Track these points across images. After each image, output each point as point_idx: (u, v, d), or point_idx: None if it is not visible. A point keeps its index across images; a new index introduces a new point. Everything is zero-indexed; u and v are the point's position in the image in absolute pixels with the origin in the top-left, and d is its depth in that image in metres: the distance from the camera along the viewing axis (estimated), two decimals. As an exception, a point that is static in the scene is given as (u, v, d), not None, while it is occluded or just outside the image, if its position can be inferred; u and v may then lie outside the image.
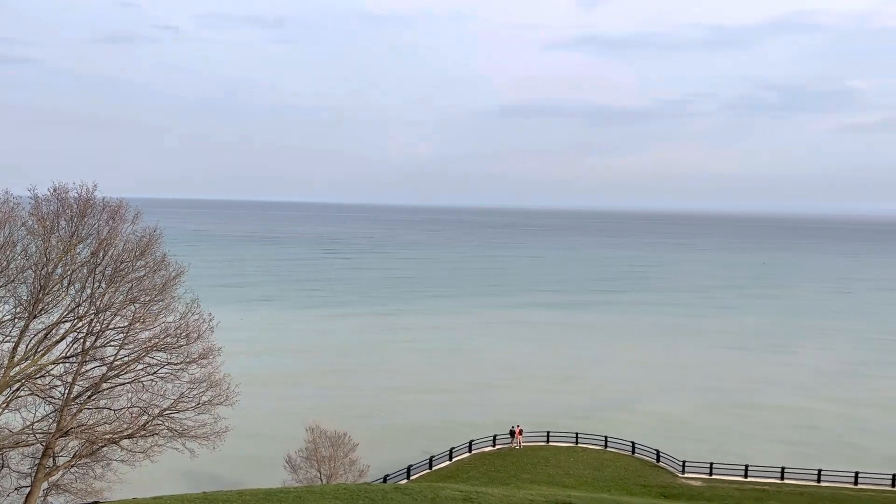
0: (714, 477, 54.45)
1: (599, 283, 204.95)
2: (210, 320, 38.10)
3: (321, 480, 48.64)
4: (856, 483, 53.85)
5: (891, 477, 54.24)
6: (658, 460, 57.42)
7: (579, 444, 60.73)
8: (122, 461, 37.70)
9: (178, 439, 37.13)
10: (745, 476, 54.59)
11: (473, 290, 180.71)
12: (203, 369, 37.56)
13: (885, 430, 75.13)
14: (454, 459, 56.65)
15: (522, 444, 60.23)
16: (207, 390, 37.41)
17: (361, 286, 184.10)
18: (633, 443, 59.70)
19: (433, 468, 54.46)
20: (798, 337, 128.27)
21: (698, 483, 52.93)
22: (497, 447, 59.84)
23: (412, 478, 52.03)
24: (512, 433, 60.43)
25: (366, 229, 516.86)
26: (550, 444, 61.02)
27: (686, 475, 54.50)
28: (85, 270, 36.05)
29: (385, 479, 50.24)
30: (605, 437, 60.89)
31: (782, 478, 54.31)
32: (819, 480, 54.11)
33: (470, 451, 58.51)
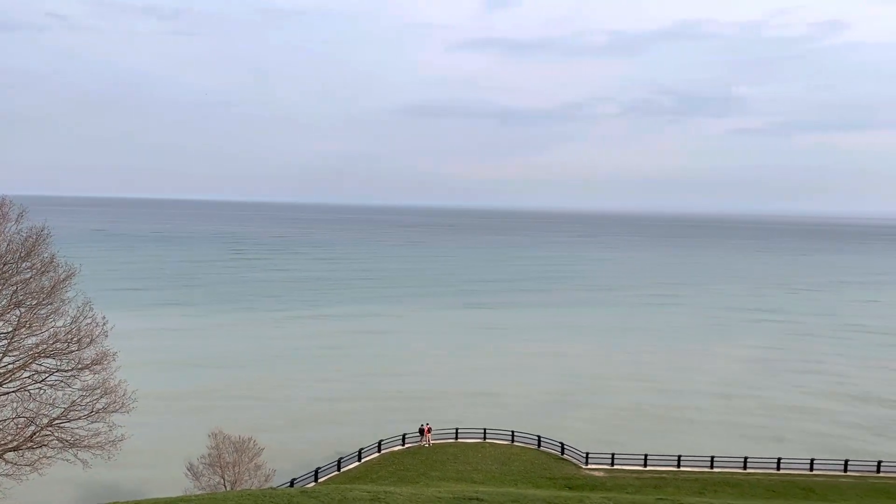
0: (616, 467, 56.35)
1: (513, 282, 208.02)
2: (104, 324, 36.29)
3: (225, 487, 47.27)
4: (745, 468, 57.02)
5: (776, 461, 57.78)
6: (563, 453, 58.95)
7: (487, 440, 61.59)
8: (7, 475, 35.37)
9: (70, 450, 35.16)
10: (645, 465, 56.80)
11: (387, 291, 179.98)
12: (96, 375, 35.73)
13: (770, 417, 79.92)
14: (363, 460, 56.30)
15: (432, 441, 60.54)
16: (101, 397, 35.61)
17: (269, 287, 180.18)
18: (538, 437, 61.07)
19: (342, 470, 53.93)
20: (698, 333, 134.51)
21: (601, 473, 54.68)
22: (407, 446, 59.88)
23: (320, 480, 51.33)
24: (421, 431, 60.64)
25: (272, 228, 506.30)
26: (459, 440, 61.60)
27: (589, 466, 56.17)
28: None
29: (292, 483, 49.35)
30: (512, 432, 62.02)
31: (679, 466, 56.83)
32: (712, 467, 56.95)
33: (379, 451, 58.30)
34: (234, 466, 48.02)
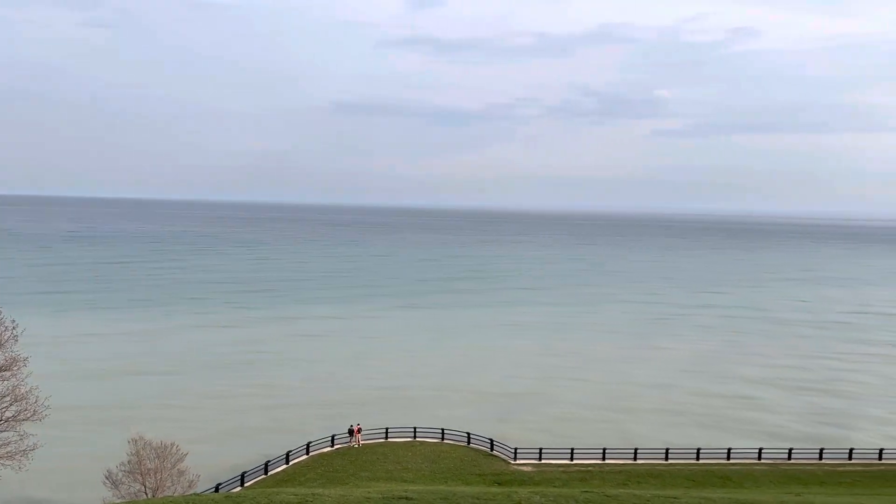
0: (543, 462, 57.34)
1: (449, 282, 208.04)
2: (14, 328, 34.59)
3: (146, 494, 45.73)
4: (666, 459, 58.95)
5: (695, 451, 59.96)
6: (492, 449, 59.59)
7: (417, 439, 61.67)
8: None
9: (-24, 461, 33.40)
10: (572, 459, 58.00)
11: (322, 292, 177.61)
12: (5, 382, 34.03)
13: (695, 408, 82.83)
14: (291, 462, 55.45)
15: (362, 442, 60.19)
16: (11, 405, 33.95)
17: (193, 289, 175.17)
18: (468, 434, 61.55)
19: (269, 473, 52.96)
20: (632, 329, 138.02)
21: (529, 468, 55.53)
22: (336, 447, 59.35)
23: (247, 484, 50.28)
24: (351, 432, 60.21)
25: (198, 227, 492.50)
26: (390, 440, 61.46)
27: (518, 461, 56.96)
28: None
29: (217, 489, 48.15)
30: (442, 430, 62.30)
31: (604, 458, 58.30)
32: (636, 459, 58.65)
33: (308, 452, 57.55)
34: (155, 473, 46.51)
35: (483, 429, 64.74)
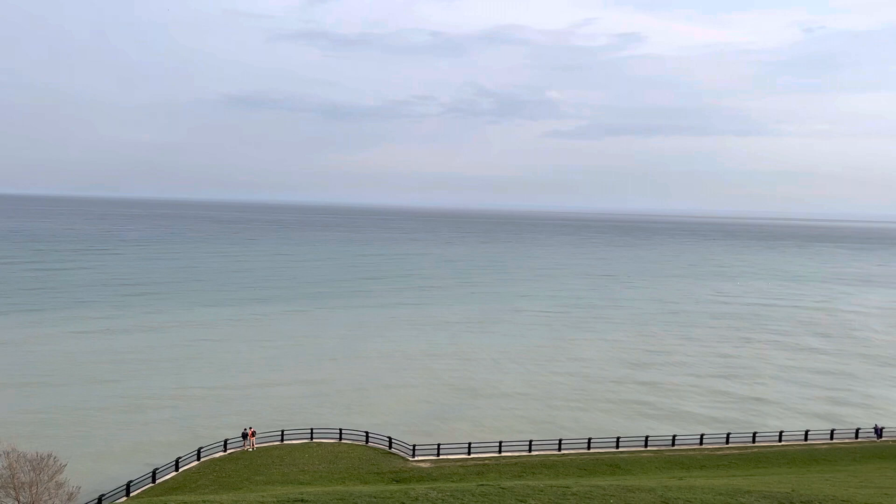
0: (441, 457, 57.83)
1: (351, 281, 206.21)
2: None
3: (20, 510, 42.68)
4: (559, 449, 60.83)
5: (586, 441, 62.17)
6: (390, 447, 59.56)
7: (314, 440, 60.77)
8: None
9: None
10: (469, 453, 58.82)
11: (217, 294, 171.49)
12: None
13: (581, 400, 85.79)
14: (181, 470, 53.32)
15: (256, 445, 58.69)
16: None
17: (76, 291, 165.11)
18: (366, 433, 61.25)
19: (157, 482, 50.71)
20: (501, 321, 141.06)
21: (427, 465, 55.85)
22: (229, 452, 57.60)
23: (132, 495, 47.95)
24: (245, 435, 58.59)
25: (77, 224, 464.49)
26: (285, 442, 60.25)
27: (416, 458, 57.18)
28: None
29: (100, 500, 45.66)
30: (340, 430, 61.70)
31: (500, 452, 59.46)
32: (530, 451, 60.18)
33: (199, 458, 55.54)
34: (31, 486, 43.47)
35: (387, 429, 64.62)
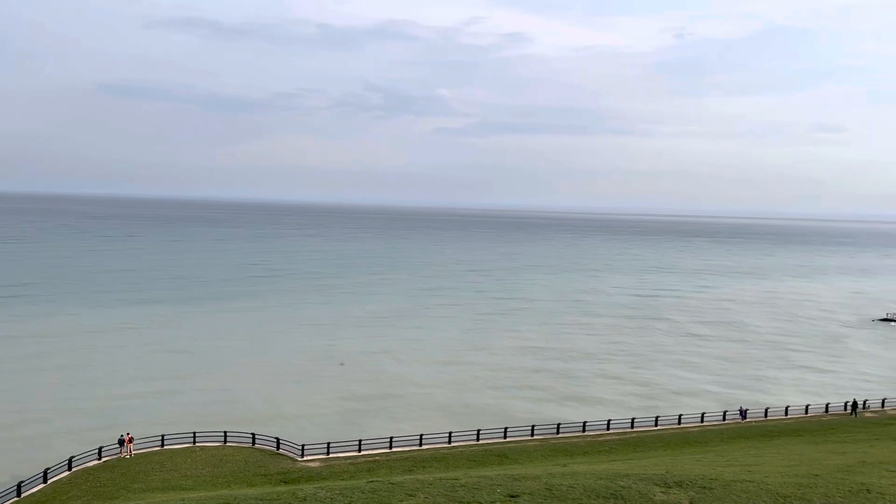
0: (331, 456, 57.14)
1: (238, 280, 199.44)
2: None
3: None
4: (450, 442, 61.55)
5: (475, 433, 63.22)
6: (278, 448, 58.26)
7: (198, 444, 58.51)
8: None
9: None
10: (359, 451, 58.43)
11: (73, 291, 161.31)
12: None
13: (481, 390, 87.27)
14: (50, 481, 49.91)
15: (133, 451, 55.83)
16: None
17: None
18: (253, 434, 59.62)
19: (22, 495, 47.25)
20: (410, 317, 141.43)
21: (317, 464, 55.04)
22: (104, 460, 54.48)
23: (-6, 511, 44.49)
24: (121, 442, 55.59)
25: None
26: (166, 447, 57.66)
27: (305, 458, 56.23)
28: None
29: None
30: (225, 433, 59.73)
31: (391, 447, 59.46)
32: (421, 445, 60.52)
33: (70, 468, 52.19)
34: None
35: (301, 433, 63.02)
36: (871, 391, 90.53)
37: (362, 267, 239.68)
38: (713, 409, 76.22)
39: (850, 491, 22.31)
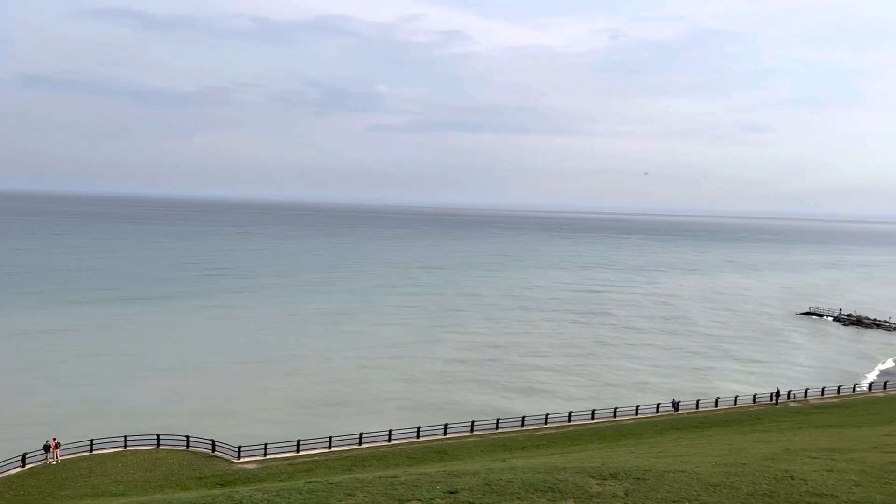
0: (269, 457, 56.24)
1: (164, 278, 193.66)
2: None
3: None
4: (390, 440, 61.39)
5: (416, 430, 63.19)
6: (214, 450, 56.99)
7: (128, 448, 56.71)
8: None
9: None
10: (298, 451, 57.69)
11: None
12: None
13: (426, 384, 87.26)
14: (-31, 491, 47.60)
15: (60, 458, 53.70)
16: None
17: None
18: (187, 437, 58.15)
19: (-61, 507, 44.93)
20: (358, 314, 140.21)
21: (254, 466, 54.08)
22: (28, 467, 52.21)
23: None
24: (47, 448, 53.38)
25: None
26: (95, 452, 55.69)
27: (242, 460, 55.18)
28: None
29: None
30: (158, 436, 58.06)
31: (330, 447, 58.89)
32: (361, 444, 60.15)
33: (-9, 477, 49.88)
34: None
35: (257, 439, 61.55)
36: (799, 381, 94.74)
37: (304, 265, 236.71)
38: (649, 402, 78.06)
39: (775, 478, 23.16)
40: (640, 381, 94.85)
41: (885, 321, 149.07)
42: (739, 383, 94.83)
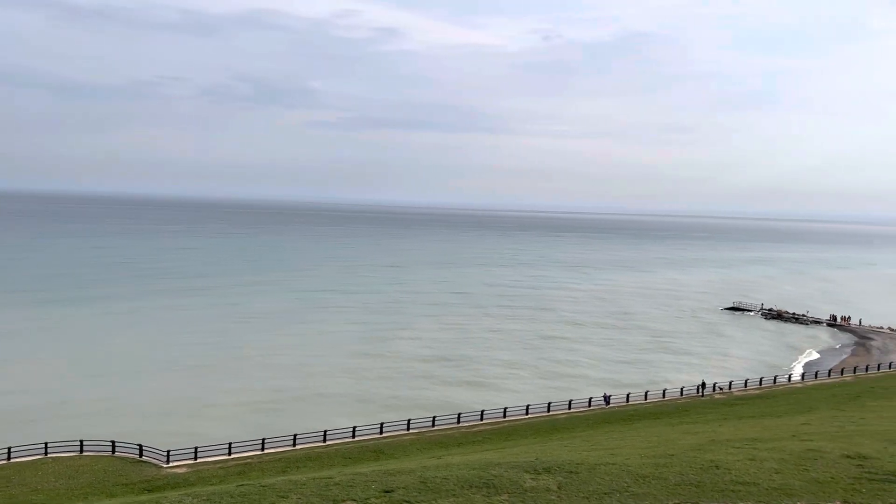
0: (199, 461, 54.83)
1: (80, 277, 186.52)
2: None
3: None
4: (325, 441, 60.67)
5: (351, 429, 62.67)
6: (141, 455, 55.19)
7: (49, 455, 54.37)
8: None
9: None
10: (230, 454, 56.41)
11: None
12: None
13: (364, 383, 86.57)
14: None
15: (-25, 467, 51.09)
16: None
17: None
18: (113, 442, 56.16)
19: None
20: (303, 315, 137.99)
21: (184, 470, 52.64)
22: (-61, 478, 49.48)
23: None
24: (-40, 457, 50.75)
25: None
26: (13, 461, 53.17)
27: (171, 464, 53.63)
28: None
29: None
30: (81, 442, 55.86)
31: (263, 449, 57.82)
32: (295, 445, 59.25)
33: None
34: None
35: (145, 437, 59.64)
36: (729, 373, 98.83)
37: (240, 264, 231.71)
38: (586, 396, 79.50)
39: (701, 468, 23.89)
40: (581, 375, 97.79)
41: (803, 315, 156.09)
42: (672, 375, 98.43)
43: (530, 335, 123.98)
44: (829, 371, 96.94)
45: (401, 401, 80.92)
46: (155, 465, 53.71)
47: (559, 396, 78.58)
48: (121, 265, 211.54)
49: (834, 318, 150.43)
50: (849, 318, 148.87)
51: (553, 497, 20.72)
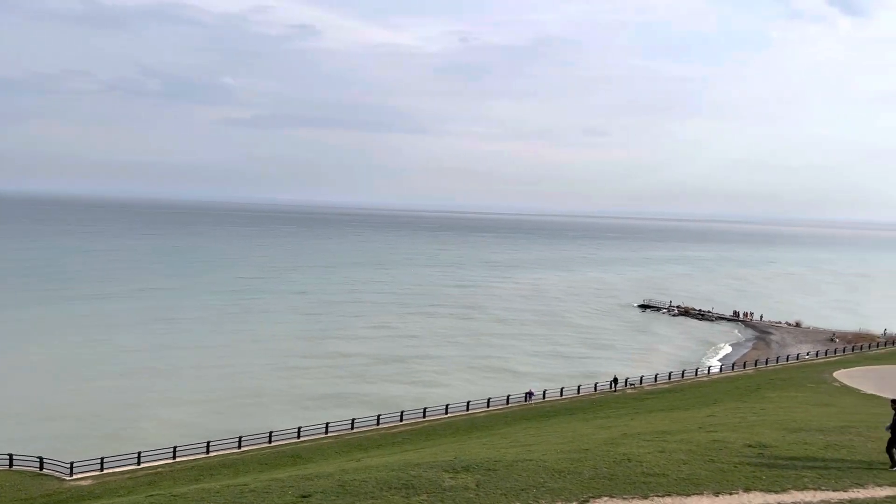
0: (107, 471, 52.49)
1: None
2: None
3: None
4: (240, 447, 59.17)
5: (268, 434, 61.40)
6: (42, 468, 52.36)
7: (-61, 471, 50.85)
8: None
9: None
10: (139, 463, 54.26)
11: None
12: None
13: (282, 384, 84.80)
14: None
15: None
16: None
17: None
18: (10, 455, 53.03)
19: None
20: (233, 317, 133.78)
21: (89, 482, 50.24)
22: None
23: None
24: None
25: None
26: None
27: (75, 476, 51.09)
28: None
29: None
30: (-25, 456, 52.52)
31: (175, 457, 55.86)
32: (208, 452, 57.55)
33: None
34: None
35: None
36: (643, 367, 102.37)
37: (160, 266, 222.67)
38: (509, 393, 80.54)
39: (614, 461, 24.54)
40: (510, 370, 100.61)
41: (708, 311, 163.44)
42: (596, 369, 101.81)
43: (459, 332, 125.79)
44: (733, 364, 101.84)
45: (325, 402, 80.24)
46: (57, 478, 51.06)
47: (486, 393, 79.44)
48: (26, 269, 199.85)
49: (737, 313, 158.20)
50: (751, 313, 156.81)
51: (472, 495, 20.85)
